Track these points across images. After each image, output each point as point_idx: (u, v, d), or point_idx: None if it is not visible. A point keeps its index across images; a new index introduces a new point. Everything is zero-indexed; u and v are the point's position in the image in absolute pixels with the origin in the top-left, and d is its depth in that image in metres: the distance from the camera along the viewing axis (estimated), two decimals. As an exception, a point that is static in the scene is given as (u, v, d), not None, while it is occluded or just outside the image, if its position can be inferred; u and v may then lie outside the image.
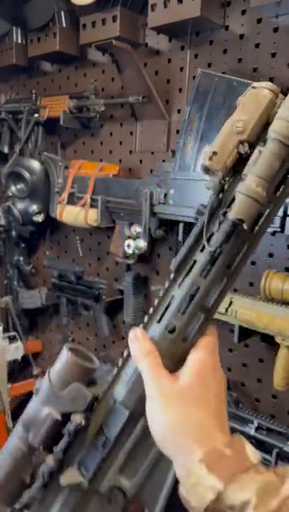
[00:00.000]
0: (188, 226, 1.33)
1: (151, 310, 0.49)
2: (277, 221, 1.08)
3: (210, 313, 0.47)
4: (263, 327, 1.16)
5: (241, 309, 1.19)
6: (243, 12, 1.25)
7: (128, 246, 1.48)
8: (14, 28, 1.81)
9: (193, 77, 1.33)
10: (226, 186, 0.45)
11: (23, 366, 2.08)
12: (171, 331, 0.47)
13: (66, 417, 0.48)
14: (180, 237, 1.33)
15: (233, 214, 0.42)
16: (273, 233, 1.15)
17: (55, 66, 1.86)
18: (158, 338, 0.47)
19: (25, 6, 1.68)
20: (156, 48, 1.48)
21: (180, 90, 1.44)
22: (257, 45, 1.24)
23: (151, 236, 1.41)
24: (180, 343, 0.47)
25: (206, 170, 0.45)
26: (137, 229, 1.47)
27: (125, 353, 0.49)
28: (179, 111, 1.45)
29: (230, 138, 0.44)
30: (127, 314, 1.57)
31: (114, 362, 1.67)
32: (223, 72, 1.27)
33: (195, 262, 0.46)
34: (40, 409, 0.49)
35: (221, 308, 1.24)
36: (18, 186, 1.83)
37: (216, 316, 1.29)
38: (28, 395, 2.38)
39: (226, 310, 1.21)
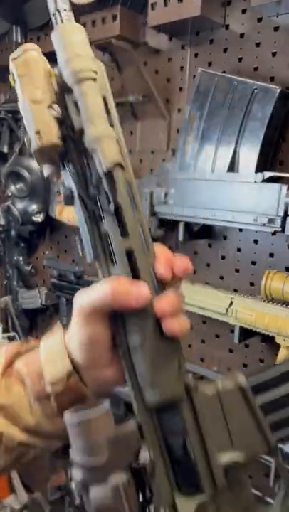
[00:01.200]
0: (189, 226, 1.32)
1: None
2: (278, 221, 1.08)
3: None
4: (263, 327, 1.15)
5: (241, 309, 1.18)
6: (244, 11, 1.24)
7: (128, 246, 1.48)
8: (14, 27, 1.80)
9: (194, 76, 1.32)
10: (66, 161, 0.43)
11: (23, 366, 2.08)
12: None
13: None
14: (180, 237, 1.33)
15: (104, 166, 0.40)
16: (274, 233, 1.14)
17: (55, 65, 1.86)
18: None
19: (25, 6, 1.68)
20: (157, 47, 1.48)
21: (180, 89, 1.43)
22: (257, 45, 1.23)
23: (151, 236, 1.40)
24: None
25: (41, 154, 0.42)
26: (137, 229, 1.47)
27: None
28: (179, 110, 1.44)
29: (39, 109, 0.42)
30: (126, 314, 1.57)
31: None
32: (224, 72, 1.27)
33: (107, 234, 0.43)
34: None
35: (222, 308, 1.23)
36: (18, 186, 1.83)
37: (217, 316, 1.30)
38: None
39: (227, 310, 1.21)
